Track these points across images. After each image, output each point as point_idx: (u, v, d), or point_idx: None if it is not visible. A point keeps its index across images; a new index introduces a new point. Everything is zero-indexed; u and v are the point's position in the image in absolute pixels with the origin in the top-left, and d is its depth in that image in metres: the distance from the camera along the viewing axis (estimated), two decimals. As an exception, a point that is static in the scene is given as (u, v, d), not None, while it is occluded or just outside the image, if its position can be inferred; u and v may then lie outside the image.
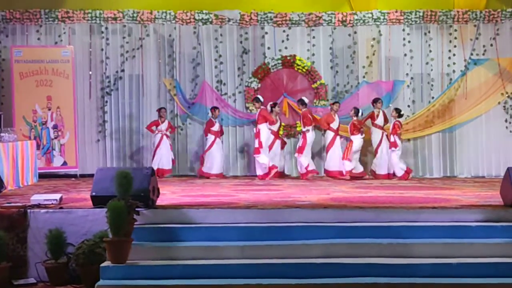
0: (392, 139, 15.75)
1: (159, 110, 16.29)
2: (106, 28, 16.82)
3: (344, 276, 7.62)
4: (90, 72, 16.77)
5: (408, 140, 16.81)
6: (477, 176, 16.63)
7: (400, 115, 15.93)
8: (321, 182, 14.58)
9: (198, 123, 16.96)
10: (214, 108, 16.31)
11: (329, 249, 8.07)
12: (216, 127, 16.19)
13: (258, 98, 16.10)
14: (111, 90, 16.78)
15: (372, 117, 16.12)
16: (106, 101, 16.79)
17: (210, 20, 16.98)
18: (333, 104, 16.30)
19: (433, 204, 9.42)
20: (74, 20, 16.70)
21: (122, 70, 16.80)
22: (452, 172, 16.95)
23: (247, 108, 16.92)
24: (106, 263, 7.78)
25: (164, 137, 16.10)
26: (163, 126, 16.19)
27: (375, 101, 16.16)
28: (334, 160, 16.00)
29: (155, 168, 12.80)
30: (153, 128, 16.24)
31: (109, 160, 16.73)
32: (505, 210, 8.90)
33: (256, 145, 15.77)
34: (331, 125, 16.07)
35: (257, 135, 15.78)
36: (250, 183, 14.29)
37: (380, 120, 16.02)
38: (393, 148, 15.69)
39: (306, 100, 16.22)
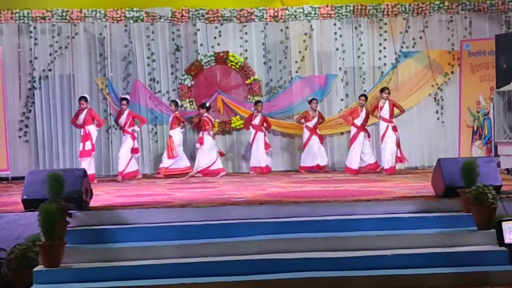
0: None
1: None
2: (35, 27, 16.51)
3: (281, 272, 7.63)
4: (20, 73, 16.47)
5: (342, 133, 16.97)
6: (410, 168, 16.79)
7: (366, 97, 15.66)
8: (257, 178, 14.60)
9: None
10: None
11: (265, 245, 8.06)
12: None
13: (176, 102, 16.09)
14: (39, 90, 16.44)
15: (377, 108, 15.37)
16: (33, 102, 16.47)
17: (141, 17, 16.83)
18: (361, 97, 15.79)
19: (367, 197, 9.52)
20: (1, 20, 16.36)
21: (49, 70, 16.50)
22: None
23: (181, 106, 16.82)
24: (39, 267, 7.63)
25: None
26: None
27: (381, 91, 15.39)
28: (355, 156, 15.55)
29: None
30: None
31: (42, 162, 16.44)
32: (437, 201, 9.05)
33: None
34: (355, 121, 15.45)
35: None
36: (185, 181, 14.23)
37: (385, 112, 15.12)
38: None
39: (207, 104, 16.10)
